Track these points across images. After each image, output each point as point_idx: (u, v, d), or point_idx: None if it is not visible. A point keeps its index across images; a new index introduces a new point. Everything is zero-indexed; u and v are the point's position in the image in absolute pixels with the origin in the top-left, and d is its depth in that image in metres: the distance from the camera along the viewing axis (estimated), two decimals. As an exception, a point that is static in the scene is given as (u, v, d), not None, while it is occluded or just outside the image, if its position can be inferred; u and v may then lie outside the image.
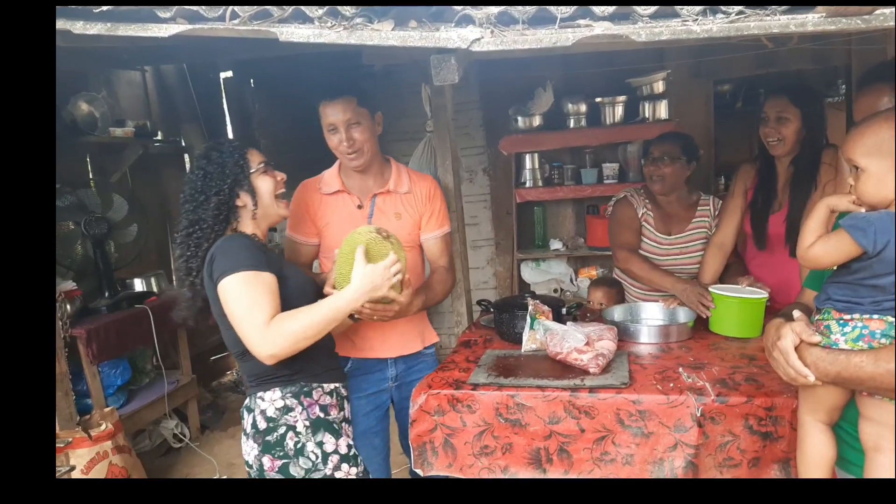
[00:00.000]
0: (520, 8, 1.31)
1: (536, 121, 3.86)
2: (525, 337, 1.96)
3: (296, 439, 1.58)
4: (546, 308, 2.02)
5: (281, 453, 1.58)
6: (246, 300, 1.49)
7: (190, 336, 3.49)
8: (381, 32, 1.30)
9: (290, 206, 1.82)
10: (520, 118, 3.86)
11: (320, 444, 1.61)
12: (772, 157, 2.21)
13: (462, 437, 1.67)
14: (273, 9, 1.40)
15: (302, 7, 1.38)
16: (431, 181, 2.09)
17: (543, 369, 1.77)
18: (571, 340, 1.79)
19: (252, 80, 4.33)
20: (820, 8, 1.06)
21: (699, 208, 2.45)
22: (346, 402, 1.75)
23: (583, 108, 3.83)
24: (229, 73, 4.42)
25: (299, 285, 1.65)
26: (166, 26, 1.45)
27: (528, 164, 3.99)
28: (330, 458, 1.61)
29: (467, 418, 1.67)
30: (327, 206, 1.98)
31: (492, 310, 2.22)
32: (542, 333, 1.91)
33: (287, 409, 1.60)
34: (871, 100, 1.30)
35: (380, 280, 1.57)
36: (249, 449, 1.61)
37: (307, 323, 1.51)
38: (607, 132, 3.79)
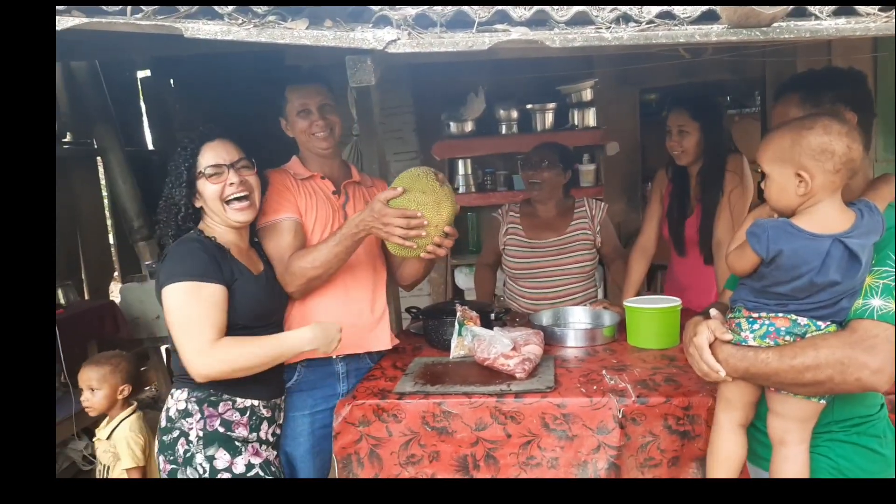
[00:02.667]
0: (438, 10, 1.30)
1: (469, 126, 3.87)
2: (453, 343, 1.94)
3: (186, 447, 1.56)
4: (474, 314, 2.01)
5: (171, 458, 1.56)
6: (187, 313, 1.49)
7: (103, 350, 3.27)
8: (294, 31, 1.25)
9: (249, 209, 1.68)
10: (452, 123, 3.87)
11: (210, 459, 1.57)
12: (682, 165, 2.31)
13: (388, 447, 1.63)
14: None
15: (214, 5, 1.32)
16: (387, 185, 2.11)
17: (471, 376, 1.75)
18: (498, 346, 1.78)
19: (172, 80, 4.13)
20: (720, 11, 1.09)
21: (576, 211, 2.53)
22: (265, 423, 1.69)
23: (514, 114, 3.88)
24: (147, 72, 4.20)
25: (247, 302, 1.61)
26: (60, 19, 1.35)
27: (460, 170, 4.00)
28: (219, 474, 1.57)
29: (393, 428, 1.63)
30: (304, 189, 1.89)
31: (421, 317, 2.20)
32: (469, 339, 1.89)
33: (185, 414, 1.57)
34: (784, 108, 1.35)
35: (331, 337, 1.60)
36: (157, 444, 1.62)
37: (250, 358, 1.53)
38: (538, 138, 3.79)
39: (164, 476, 1.58)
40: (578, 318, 2.25)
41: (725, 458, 1.34)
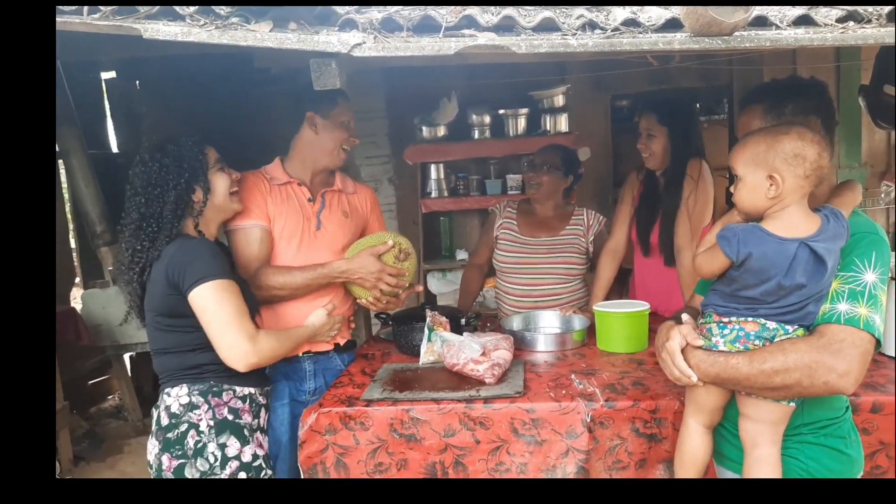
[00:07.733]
0: (405, 14, 1.29)
1: (441, 131, 3.87)
2: (423, 349, 1.93)
3: (197, 438, 1.55)
4: (444, 319, 2.00)
5: (179, 452, 1.54)
6: (229, 309, 1.53)
7: (64, 359, 3.17)
8: (257, 33, 1.23)
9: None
10: (425, 128, 3.85)
11: (222, 447, 1.57)
12: (650, 169, 2.34)
13: (355, 456, 1.61)
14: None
15: (175, 6, 1.29)
16: (372, 190, 2.19)
17: (440, 382, 1.74)
18: (468, 351, 1.77)
19: (138, 82, 4.03)
20: (683, 19, 1.10)
21: (573, 218, 2.54)
22: (262, 410, 1.72)
23: (487, 119, 3.88)
24: (112, 74, 4.08)
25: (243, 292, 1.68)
26: (12, 16, 1.30)
27: (433, 174, 3.99)
28: (229, 462, 1.57)
29: (360, 436, 1.61)
30: (277, 195, 1.92)
31: (390, 322, 2.18)
32: (439, 345, 1.89)
33: (192, 406, 1.57)
34: (748, 119, 1.37)
35: (324, 324, 1.88)
36: (152, 447, 1.60)
37: (288, 347, 1.70)
38: (511, 143, 3.87)
39: (168, 474, 1.55)
40: (549, 323, 2.26)
41: (693, 459, 1.36)
